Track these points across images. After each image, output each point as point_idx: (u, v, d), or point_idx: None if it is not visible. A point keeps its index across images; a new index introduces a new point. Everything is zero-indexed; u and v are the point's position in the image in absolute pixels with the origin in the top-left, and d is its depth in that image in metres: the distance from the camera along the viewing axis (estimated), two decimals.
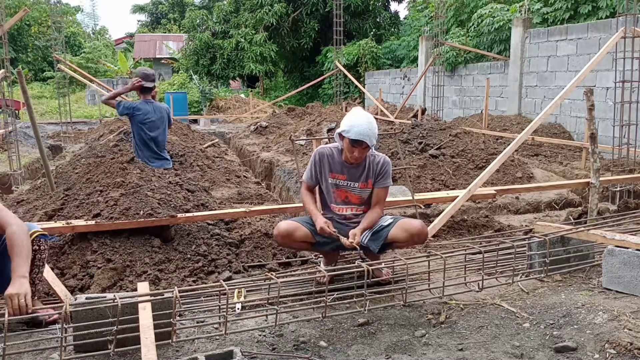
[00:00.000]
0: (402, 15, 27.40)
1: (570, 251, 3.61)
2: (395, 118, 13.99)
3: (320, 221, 3.46)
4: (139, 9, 41.79)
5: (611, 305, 2.92)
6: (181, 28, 33.61)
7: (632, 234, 3.50)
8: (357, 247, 3.37)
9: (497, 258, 3.58)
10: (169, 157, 6.26)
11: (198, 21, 25.65)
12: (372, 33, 23.11)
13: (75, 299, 2.67)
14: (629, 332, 2.59)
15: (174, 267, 3.77)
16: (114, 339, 2.44)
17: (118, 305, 2.45)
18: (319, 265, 3.72)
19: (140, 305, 2.57)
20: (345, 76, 18.58)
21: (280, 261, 4.04)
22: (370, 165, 3.57)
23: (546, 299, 3.17)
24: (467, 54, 14.21)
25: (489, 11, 13.49)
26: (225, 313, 2.66)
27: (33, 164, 9.34)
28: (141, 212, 3.96)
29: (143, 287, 2.86)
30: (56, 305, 2.92)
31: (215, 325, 2.85)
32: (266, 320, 2.94)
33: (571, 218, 4.87)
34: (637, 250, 3.15)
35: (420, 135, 7.46)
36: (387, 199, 3.85)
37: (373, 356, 2.62)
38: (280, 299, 2.91)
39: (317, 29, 24.16)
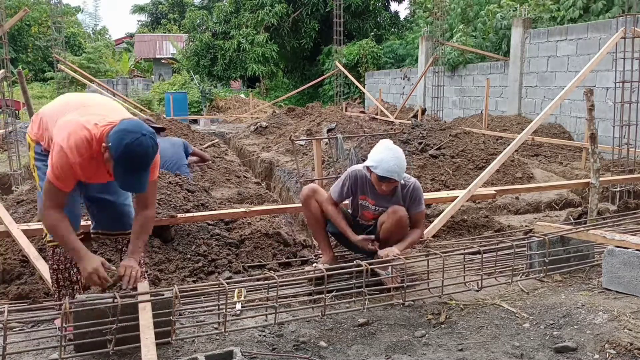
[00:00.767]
0: (402, 16, 27.42)
1: (570, 251, 3.61)
2: (395, 118, 13.99)
3: (359, 239, 3.57)
4: (139, 9, 41.80)
5: (611, 306, 2.92)
6: (181, 28, 33.63)
7: (632, 234, 3.50)
8: (384, 256, 3.39)
9: (497, 258, 3.58)
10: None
11: (198, 21, 25.65)
12: (372, 33, 23.12)
13: (75, 299, 2.67)
14: (629, 333, 2.59)
15: (174, 267, 3.77)
16: (113, 338, 2.45)
17: (118, 305, 2.45)
18: (317, 264, 3.73)
19: (140, 305, 2.57)
20: (346, 76, 18.59)
21: (280, 261, 4.04)
22: (401, 192, 3.59)
23: (546, 299, 3.17)
24: (467, 54, 14.21)
25: (498, 9, 13.44)
26: (225, 312, 2.66)
27: None
28: None
29: (143, 287, 2.85)
30: (56, 304, 2.92)
31: (215, 325, 2.84)
32: (266, 320, 2.94)
33: (571, 218, 4.87)
34: (637, 250, 3.15)
35: (420, 135, 7.47)
36: None
37: (373, 356, 2.61)
38: (280, 299, 2.91)
39: (317, 29, 24.16)
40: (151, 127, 2.95)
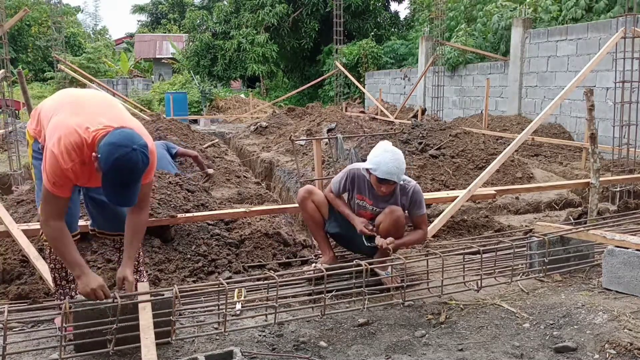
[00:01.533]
0: (402, 16, 27.44)
1: (570, 251, 3.61)
2: (395, 118, 13.99)
3: (359, 221, 3.56)
4: (139, 9, 41.81)
5: (611, 306, 2.92)
6: (181, 28, 33.63)
7: (632, 234, 3.50)
8: (385, 246, 3.39)
9: (496, 258, 3.58)
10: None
11: (198, 21, 25.65)
12: (372, 33, 23.12)
13: (75, 299, 2.67)
14: (629, 332, 2.59)
15: (174, 267, 3.77)
16: (113, 338, 2.45)
17: (118, 305, 2.45)
18: (317, 264, 3.73)
19: (140, 305, 2.57)
20: (346, 76, 18.59)
21: (280, 261, 4.04)
22: (399, 193, 3.59)
23: (546, 299, 3.17)
24: (467, 54, 14.20)
25: (497, 9, 13.43)
26: (225, 312, 2.66)
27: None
28: None
29: (143, 287, 2.85)
30: (56, 304, 2.92)
31: (215, 325, 2.84)
32: (266, 320, 2.94)
33: (571, 218, 4.87)
34: (637, 250, 3.15)
35: (420, 135, 7.47)
36: None
37: (373, 356, 2.61)
38: (280, 299, 2.91)
39: (317, 29, 24.16)
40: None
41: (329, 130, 9.47)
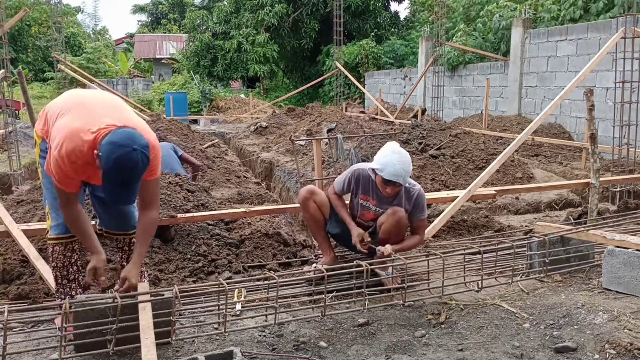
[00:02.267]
0: (402, 16, 27.43)
1: (570, 251, 3.61)
2: (395, 118, 14.00)
3: (356, 232, 3.55)
4: (139, 9, 41.83)
5: (611, 306, 2.92)
6: (181, 28, 33.64)
7: (632, 234, 3.50)
8: (386, 255, 3.38)
9: (497, 258, 3.58)
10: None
11: (198, 22, 25.65)
12: (372, 33, 23.12)
13: (75, 299, 2.67)
14: (629, 333, 2.59)
15: (174, 267, 3.77)
16: (113, 338, 2.45)
17: (118, 305, 2.45)
18: (317, 264, 3.73)
19: (140, 305, 2.57)
20: (346, 76, 18.59)
21: (280, 261, 4.04)
22: (404, 195, 3.58)
23: (546, 299, 3.17)
24: (467, 54, 14.20)
25: (496, 9, 13.44)
26: (225, 312, 2.66)
27: (33, 164, 9.33)
28: None
29: (143, 287, 2.85)
30: (56, 304, 2.92)
31: (215, 325, 2.84)
32: (266, 320, 2.94)
33: (571, 218, 4.87)
34: (637, 250, 3.15)
35: (420, 135, 7.47)
36: None
37: (373, 356, 2.61)
38: (280, 299, 2.91)
39: (317, 29, 24.16)
40: None
41: (329, 131, 9.47)
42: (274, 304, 2.79)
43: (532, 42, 11.56)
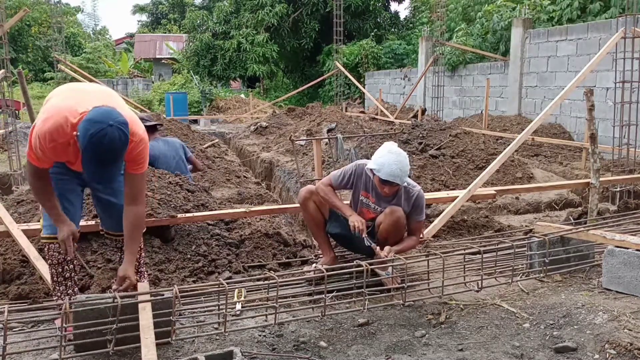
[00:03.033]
0: (402, 16, 27.44)
1: (570, 251, 3.61)
2: (395, 118, 14.00)
3: (355, 218, 3.48)
4: (140, 9, 41.85)
5: (611, 306, 2.92)
6: (181, 28, 33.64)
7: (632, 234, 3.50)
8: (385, 256, 3.36)
9: (497, 258, 3.58)
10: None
11: (198, 22, 25.65)
12: (372, 33, 23.12)
13: (75, 299, 2.67)
14: (629, 333, 2.59)
15: (174, 267, 3.77)
16: (113, 338, 2.45)
17: (118, 305, 2.45)
18: (317, 265, 3.73)
19: (140, 305, 2.57)
20: (346, 76, 18.59)
21: (280, 261, 4.04)
22: (402, 196, 3.57)
23: (546, 299, 3.17)
24: (467, 54, 14.20)
25: (495, 9, 13.44)
26: (225, 312, 2.66)
27: None
28: None
29: (143, 287, 2.85)
30: (56, 305, 2.92)
31: (215, 325, 2.84)
32: (266, 320, 2.94)
33: (571, 218, 4.87)
34: (637, 250, 3.15)
35: (420, 135, 7.47)
36: None
37: (373, 356, 2.61)
38: (280, 299, 2.91)
39: (317, 29, 24.16)
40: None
41: (329, 130, 9.47)
42: (274, 304, 2.78)
43: (532, 42, 11.56)
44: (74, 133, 2.46)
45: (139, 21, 43.92)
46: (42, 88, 27.71)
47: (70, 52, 29.65)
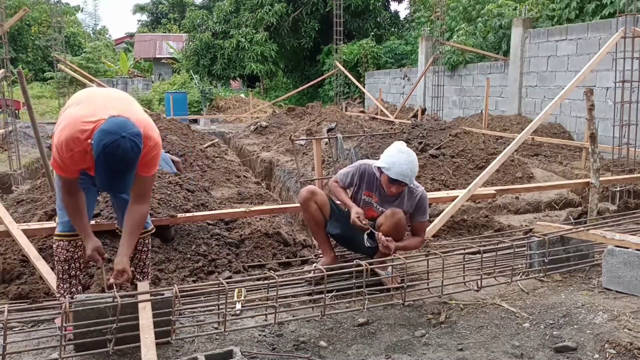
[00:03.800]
0: (402, 15, 27.43)
1: (570, 251, 3.61)
2: (395, 118, 14.00)
3: (356, 210, 3.48)
4: (140, 8, 41.83)
5: (611, 305, 2.92)
6: (181, 28, 33.63)
7: (632, 234, 3.50)
8: (387, 246, 3.36)
9: (496, 258, 3.58)
10: None
11: (198, 21, 25.66)
12: (372, 33, 23.12)
13: (75, 299, 2.67)
14: (629, 332, 2.59)
15: (173, 267, 3.77)
16: (113, 338, 2.45)
17: (118, 305, 2.45)
18: (317, 264, 3.73)
19: (140, 304, 2.57)
20: (346, 76, 18.59)
21: (280, 261, 4.04)
22: (406, 196, 3.56)
23: (546, 299, 3.17)
24: (467, 54, 14.20)
25: (496, 9, 13.44)
26: (224, 312, 2.66)
27: (33, 164, 9.34)
28: None
29: (143, 286, 2.85)
30: (56, 304, 2.92)
31: (215, 325, 2.84)
32: (266, 320, 2.94)
33: (571, 218, 4.87)
34: (637, 250, 3.15)
35: (420, 135, 7.47)
36: None
37: (373, 356, 2.61)
38: (279, 299, 2.91)
39: (317, 28, 24.17)
40: None
41: (329, 130, 9.47)
42: (274, 304, 2.79)
43: (532, 42, 11.56)
44: (89, 141, 2.49)
45: (139, 21, 43.94)
46: (42, 88, 27.71)
47: (70, 52, 29.62)
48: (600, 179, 4.81)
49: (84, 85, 21.39)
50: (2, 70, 7.44)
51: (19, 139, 8.34)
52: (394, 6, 27.92)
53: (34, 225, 3.89)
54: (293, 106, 17.40)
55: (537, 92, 11.51)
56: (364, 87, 19.69)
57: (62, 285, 2.93)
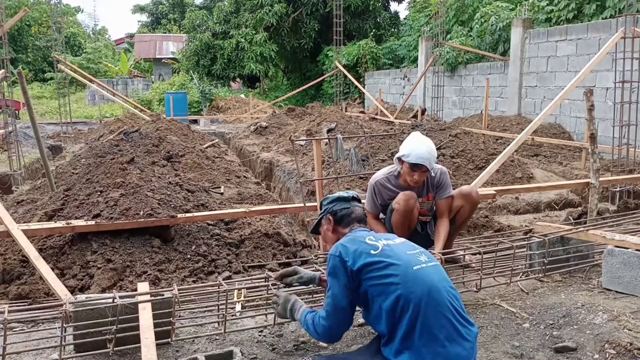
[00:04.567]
0: (402, 16, 27.44)
1: (569, 251, 3.61)
2: (395, 118, 13.99)
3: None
4: (140, 9, 41.85)
5: (611, 306, 2.92)
6: (181, 28, 33.65)
7: (632, 234, 3.50)
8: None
9: (496, 258, 3.58)
10: None
11: (198, 22, 25.67)
12: (372, 33, 23.13)
13: (75, 299, 2.67)
14: (629, 332, 2.59)
15: (174, 267, 3.77)
16: (113, 338, 2.45)
17: (118, 305, 2.45)
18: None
19: (140, 305, 2.57)
20: (345, 76, 18.59)
21: (280, 261, 4.04)
22: (429, 180, 3.57)
23: (546, 299, 3.18)
24: (466, 54, 14.21)
25: (493, 10, 13.46)
26: (224, 312, 2.66)
27: (33, 164, 9.35)
28: (141, 213, 3.96)
29: (143, 287, 2.85)
30: (56, 305, 2.92)
31: (215, 325, 2.84)
32: (266, 320, 2.94)
33: (571, 218, 4.87)
34: (637, 250, 3.15)
35: None
36: None
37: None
38: None
39: (317, 29, 24.17)
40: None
41: (329, 131, 9.47)
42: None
43: (532, 42, 11.57)
44: None
45: (139, 21, 43.93)
46: (42, 88, 27.72)
47: (70, 52, 29.65)
48: (600, 179, 4.81)
49: (83, 86, 21.41)
50: (2, 70, 7.44)
51: (19, 139, 8.34)
52: (394, 6, 27.94)
53: (34, 225, 3.89)
54: (293, 106, 17.39)
55: (537, 92, 11.51)
56: (364, 88, 19.69)
57: None
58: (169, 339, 2.60)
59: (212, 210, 4.46)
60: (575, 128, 10.35)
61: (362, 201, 2.79)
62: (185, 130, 10.45)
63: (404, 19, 26.09)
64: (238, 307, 3.13)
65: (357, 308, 2.33)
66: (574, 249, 3.63)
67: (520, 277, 3.53)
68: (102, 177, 4.66)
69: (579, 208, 5.46)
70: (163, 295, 2.73)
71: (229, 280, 3.47)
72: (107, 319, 2.49)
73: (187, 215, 4.15)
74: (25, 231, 3.66)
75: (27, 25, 30.73)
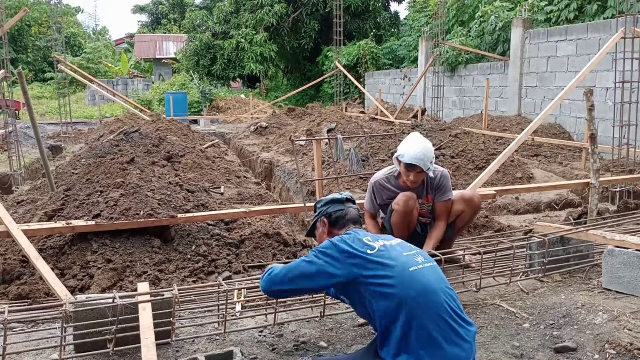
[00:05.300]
0: (402, 16, 27.44)
1: (569, 251, 3.61)
2: (395, 118, 13.99)
3: None
4: (140, 9, 41.85)
5: (611, 306, 2.92)
6: (181, 28, 33.65)
7: (632, 234, 3.50)
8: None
9: (496, 258, 3.58)
10: None
11: (198, 22, 25.67)
12: (372, 33, 23.13)
13: (76, 299, 2.67)
14: (629, 332, 2.59)
15: (174, 268, 3.77)
16: (113, 338, 2.45)
17: (118, 305, 2.45)
18: None
19: (140, 305, 2.57)
20: (345, 76, 18.59)
21: (280, 261, 4.04)
22: (428, 181, 3.56)
23: (546, 299, 3.17)
24: (467, 54, 14.21)
25: (492, 10, 13.46)
26: (224, 312, 2.66)
27: (33, 164, 9.35)
28: (141, 213, 3.96)
29: (143, 287, 2.85)
30: (56, 305, 2.92)
31: (215, 325, 2.84)
32: (266, 320, 2.94)
33: (571, 218, 4.87)
34: (637, 250, 3.15)
35: None
36: None
37: None
38: (279, 299, 2.91)
39: (317, 29, 24.17)
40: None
41: (329, 131, 9.48)
42: (274, 304, 2.78)
43: (532, 42, 11.57)
44: None
45: (139, 21, 43.92)
46: (42, 88, 27.72)
47: (70, 52, 29.64)
48: (600, 179, 4.81)
49: (83, 86, 21.38)
50: (2, 70, 7.44)
51: (19, 139, 8.34)
52: (394, 6, 27.94)
53: (34, 225, 3.89)
54: (293, 107, 17.40)
55: (537, 92, 11.51)
56: (364, 88, 19.69)
57: None
58: (169, 339, 2.60)
59: (212, 210, 4.46)
60: (575, 128, 10.35)
61: (359, 202, 2.79)
62: (185, 130, 10.45)
63: (404, 19, 26.09)
64: (238, 307, 3.13)
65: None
66: (574, 249, 3.63)
67: (520, 277, 3.53)
68: (102, 177, 4.66)
69: (579, 208, 5.46)
70: (163, 295, 2.73)
71: (229, 280, 3.47)
72: (107, 319, 2.49)
73: (187, 215, 4.15)
74: (25, 231, 3.66)
75: (27, 25, 30.73)
